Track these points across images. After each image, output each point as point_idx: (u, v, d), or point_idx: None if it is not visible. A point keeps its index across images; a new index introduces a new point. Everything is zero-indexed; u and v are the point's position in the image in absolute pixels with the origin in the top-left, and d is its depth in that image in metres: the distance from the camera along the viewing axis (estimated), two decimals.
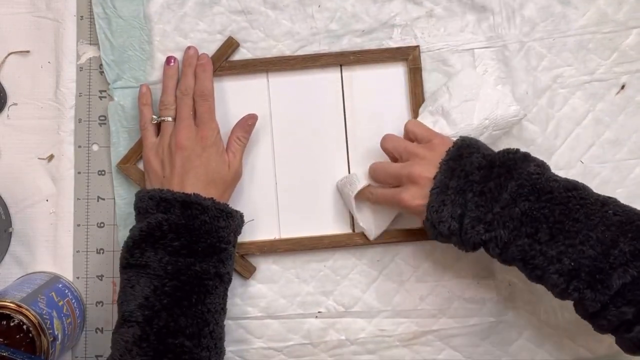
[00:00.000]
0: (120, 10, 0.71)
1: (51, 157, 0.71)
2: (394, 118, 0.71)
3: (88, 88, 0.72)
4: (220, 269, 0.62)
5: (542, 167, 0.58)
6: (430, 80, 0.70)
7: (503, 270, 0.70)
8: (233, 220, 0.64)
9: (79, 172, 0.71)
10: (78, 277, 0.71)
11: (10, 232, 0.71)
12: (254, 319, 0.70)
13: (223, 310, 0.63)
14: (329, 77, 0.71)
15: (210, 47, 0.71)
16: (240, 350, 0.70)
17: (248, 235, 0.70)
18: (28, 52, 0.72)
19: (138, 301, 0.59)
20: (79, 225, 0.71)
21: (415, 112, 0.70)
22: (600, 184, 0.70)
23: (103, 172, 0.72)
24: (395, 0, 0.71)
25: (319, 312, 0.71)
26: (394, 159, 0.66)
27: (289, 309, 0.71)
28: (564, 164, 0.70)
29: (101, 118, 0.72)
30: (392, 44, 0.70)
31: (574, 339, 0.70)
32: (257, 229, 0.71)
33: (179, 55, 0.70)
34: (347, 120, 0.71)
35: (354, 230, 0.71)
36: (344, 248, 0.70)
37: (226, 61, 0.70)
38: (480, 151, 0.59)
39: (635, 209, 0.56)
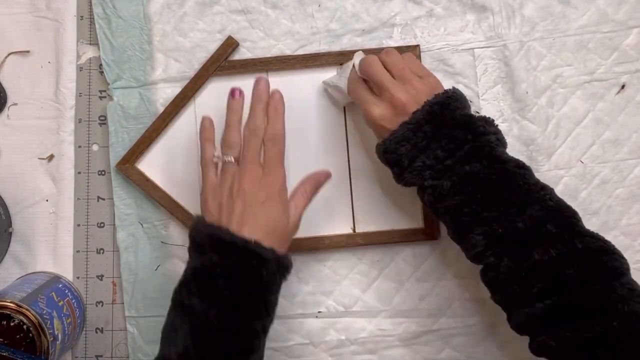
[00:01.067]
0: (120, 11, 0.71)
1: (51, 157, 0.71)
2: None
3: (88, 88, 0.72)
4: (267, 322, 0.58)
5: (501, 141, 0.59)
6: None
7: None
8: (287, 273, 0.59)
9: (79, 172, 0.71)
10: (78, 277, 0.71)
11: (10, 232, 0.71)
12: None
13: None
14: (329, 77, 0.71)
15: (210, 47, 0.71)
16: None
17: None
18: (28, 52, 0.72)
19: (178, 349, 0.55)
20: (79, 225, 0.71)
21: None
22: (600, 184, 0.70)
23: (103, 172, 0.71)
24: None
25: (319, 312, 0.71)
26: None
27: (289, 309, 0.71)
28: (564, 164, 0.70)
29: (101, 118, 0.72)
30: (392, 44, 0.70)
31: None
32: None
33: (180, 54, 0.70)
34: (347, 119, 0.71)
35: (354, 231, 0.71)
36: (344, 248, 0.70)
37: (226, 61, 0.70)
38: (465, 110, 0.60)
39: (566, 203, 0.57)
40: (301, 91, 0.71)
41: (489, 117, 0.60)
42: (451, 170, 0.57)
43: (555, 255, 0.53)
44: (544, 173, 0.70)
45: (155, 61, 0.71)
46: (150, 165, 0.71)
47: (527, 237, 0.54)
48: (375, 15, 0.71)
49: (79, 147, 0.72)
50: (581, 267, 0.52)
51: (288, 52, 0.71)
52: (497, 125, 0.60)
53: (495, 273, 0.56)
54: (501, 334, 0.70)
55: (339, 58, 0.70)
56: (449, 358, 0.70)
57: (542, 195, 0.56)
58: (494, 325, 0.70)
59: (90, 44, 0.72)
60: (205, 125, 0.64)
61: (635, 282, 0.53)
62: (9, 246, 0.71)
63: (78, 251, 0.71)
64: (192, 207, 0.70)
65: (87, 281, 0.71)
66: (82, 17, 0.72)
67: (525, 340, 0.70)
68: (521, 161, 0.58)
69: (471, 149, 0.57)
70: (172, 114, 0.70)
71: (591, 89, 0.70)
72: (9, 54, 0.72)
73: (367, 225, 0.70)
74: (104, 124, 0.72)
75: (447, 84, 0.70)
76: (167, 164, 0.71)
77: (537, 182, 0.57)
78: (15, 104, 0.72)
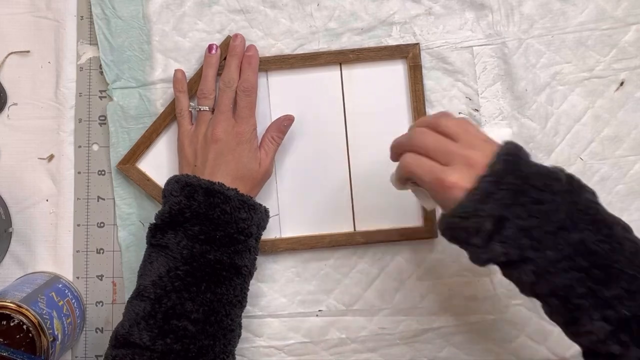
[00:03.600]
0: (119, 11, 0.71)
1: (51, 157, 0.71)
2: (394, 116, 0.71)
3: (88, 88, 0.72)
4: (237, 260, 0.61)
5: (595, 196, 0.50)
6: (430, 78, 0.70)
7: None
8: (255, 213, 0.63)
9: (79, 172, 0.71)
10: (78, 277, 0.71)
11: (10, 232, 0.71)
12: (255, 318, 0.70)
13: (240, 303, 0.63)
14: (328, 76, 0.71)
15: None
16: (240, 349, 0.70)
17: None
18: (28, 52, 0.72)
19: (153, 278, 0.60)
20: (79, 225, 0.71)
21: (415, 110, 0.69)
22: (600, 181, 0.70)
23: (103, 172, 0.72)
24: None
25: (319, 310, 0.71)
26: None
27: (289, 307, 0.71)
28: (564, 161, 0.70)
29: (101, 118, 0.72)
30: (391, 42, 0.70)
31: None
32: None
33: (180, 54, 0.71)
34: (347, 118, 0.71)
35: (355, 229, 0.70)
36: (344, 247, 0.70)
37: (225, 60, 0.70)
38: (531, 160, 0.51)
39: None
40: (301, 90, 0.71)
41: (559, 167, 0.51)
42: (557, 239, 0.47)
43: None
44: None
45: (155, 61, 0.71)
46: (151, 165, 0.71)
47: None
48: (374, 14, 0.71)
49: (79, 147, 0.72)
50: None
51: (287, 52, 0.71)
52: (578, 180, 0.51)
53: None
54: (502, 332, 0.70)
55: (339, 57, 0.70)
56: (449, 356, 0.70)
57: None
58: (495, 322, 0.70)
59: (90, 44, 0.72)
60: (178, 77, 0.69)
61: None
62: (9, 246, 0.71)
63: (78, 251, 0.71)
64: None
65: (87, 281, 0.71)
66: (82, 17, 0.72)
67: (525, 337, 0.70)
68: (622, 220, 0.50)
69: (573, 211, 0.47)
70: (172, 114, 0.70)
71: (590, 85, 0.70)
72: (9, 54, 0.72)
73: (367, 223, 0.70)
74: (104, 124, 0.72)
75: (446, 82, 0.71)
76: (168, 163, 0.71)
77: None
78: (15, 104, 0.72)
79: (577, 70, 0.70)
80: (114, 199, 0.71)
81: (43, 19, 0.72)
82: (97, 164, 0.72)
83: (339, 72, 0.71)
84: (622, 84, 0.70)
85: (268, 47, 0.71)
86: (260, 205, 0.65)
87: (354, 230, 0.70)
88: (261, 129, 0.70)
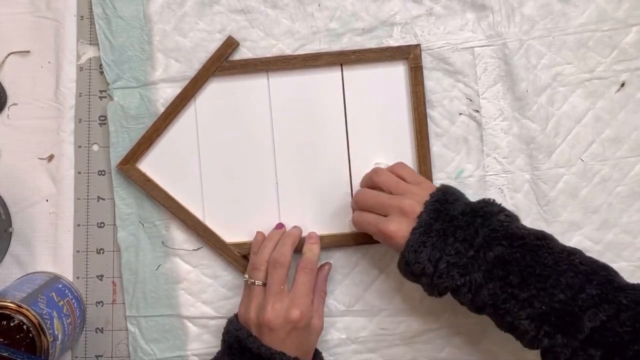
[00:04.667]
0: (120, 11, 0.71)
1: (51, 157, 0.71)
2: (395, 117, 0.70)
3: (88, 88, 0.72)
4: None
5: (512, 217, 0.59)
6: (431, 79, 0.70)
7: None
8: None
9: (79, 172, 0.71)
10: (78, 277, 0.71)
11: (10, 232, 0.71)
12: None
13: None
14: (329, 77, 0.71)
15: (210, 47, 0.71)
16: None
17: (248, 235, 0.70)
18: (28, 52, 0.72)
19: None
20: (79, 225, 0.71)
21: (416, 111, 0.69)
22: (601, 182, 0.70)
23: (103, 172, 0.71)
24: None
25: None
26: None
27: None
28: (564, 162, 0.70)
29: (101, 118, 0.72)
30: (392, 43, 0.70)
31: None
32: (257, 228, 0.70)
33: (180, 54, 0.71)
34: (347, 119, 0.71)
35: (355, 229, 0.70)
36: (344, 247, 0.70)
37: (226, 61, 0.70)
38: (462, 200, 0.61)
39: (598, 261, 0.56)
40: (302, 91, 0.71)
41: (489, 198, 0.61)
42: (477, 261, 0.56)
43: (606, 317, 0.52)
44: (544, 171, 0.70)
45: (156, 61, 0.71)
46: (151, 166, 0.71)
47: (572, 307, 0.53)
48: (375, 15, 0.71)
49: (79, 147, 0.72)
50: (632, 321, 0.51)
51: (288, 52, 0.71)
52: (500, 204, 0.60)
53: (554, 354, 0.54)
54: (502, 332, 0.70)
55: (340, 58, 0.70)
56: (450, 356, 0.70)
57: (572, 260, 0.55)
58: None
59: (90, 44, 0.72)
60: (256, 240, 0.69)
61: None
62: (9, 246, 0.71)
63: (78, 251, 0.71)
64: (193, 207, 0.71)
65: (87, 281, 0.71)
66: (82, 17, 0.72)
67: None
68: (540, 231, 0.58)
69: (487, 233, 0.57)
70: (173, 115, 0.70)
71: (591, 87, 0.70)
72: (9, 54, 0.72)
73: None
74: (104, 124, 0.72)
75: (447, 83, 0.71)
76: (168, 164, 0.71)
77: (563, 249, 0.57)
78: (15, 104, 0.72)
79: (578, 72, 0.70)
80: (113, 199, 0.71)
81: (43, 19, 0.72)
82: (97, 164, 0.72)
83: (340, 73, 0.71)
84: (622, 85, 0.70)
85: (269, 47, 0.71)
86: None
87: (355, 230, 0.70)
88: (261, 130, 0.70)
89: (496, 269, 0.55)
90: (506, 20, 0.70)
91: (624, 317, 0.51)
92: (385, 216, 0.61)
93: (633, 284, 0.54)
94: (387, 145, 0.71)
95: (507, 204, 0.70)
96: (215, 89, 0.70)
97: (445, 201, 0.59)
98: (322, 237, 0.69)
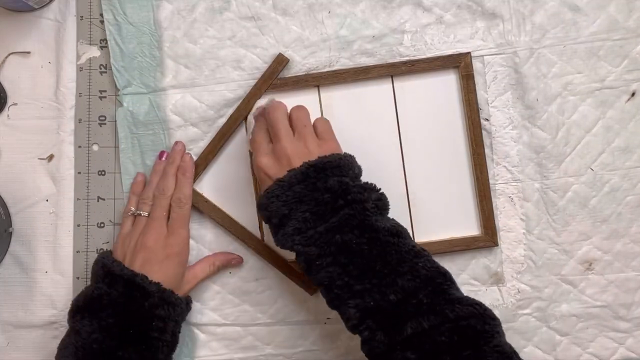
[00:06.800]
0: (131, 17, 0.70)
1: (51, 157, 0.71)
2: (447, 126, 0.70)
3: (88, 88, 0.71)
4: (147, 356, 0.62)
5: (380, 207, 0.59)
6: None
7: (512, 277, 0.70)
8: (175, 309, 0.64)
9: (79, 172, 0.71)
10: (78, 278, 0.71)
11: (10, 232, 0.71)
12: (264, 326, 0.70)
13: None
14: (380, 89, 0.71)
15: (219, 54, 0.70)
16: (249, 357, 0.70)
17: None
18: (28, 53, 0.71)
19: None
20: (79, 225, 0.71)
21: (470, 119, 0.69)
22: (610, 192, 0.70)
23: (103, 172, 0.71)
24: (404, 6, 0.71)
25: (328, 318, 0.70)
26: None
27: (297, 315, 0.71)
28: (574, 171, 0.70)
29: (101, 118, 0.71)
30: (403, 50, 0.70)
31: (583, 346, 0.70)
32: None
33: (190, 61, 0.70)
34: (400, 130, 0.71)
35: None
36: None
37: (277, 78, 0.70)
38: (343, 177, 0.59)
39: (440, 268, 0.57)
40: (354, 104, 0.71)
41: (371, 184, 0.60)
42: (322, 238, 0.57)
43: (428, 326, 0.53)
44: (554, 180, 0.70)
45: (166, 67, 0.71)
46: (208, 187, 0.71)
47: (399, 310, 0.54)
48: (385, 22, 0.71)
49: (79, 147, 0.71)
50: (452, 335, 0.52)
51: (298, 59, 0.70)
52: (379, 191, 0.60)
53: (370, 346, 0.55)
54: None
55: (390, 70, 0.70)
56: None
57: (415, 263, 0.56)
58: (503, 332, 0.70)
59: (90, 44, 0.72)
60: (136, 180, 0.70)
61: (506, 343, 0.54)
62: (9, 246, 0.71)
63: (78, 251, 0.71)
64: (250, 225, 0.71)
65: (87, 281, 0.70)
66: (82, 17, 0.72)
67: (533, 347, 0.70)
68: (398, 228, 0.58)
69: (345, 216, 0.57)
70: (228, 134, 0.70)
71: (601, 96, 0.70)
72: (9, 54, 0.72)
73: (427, 234, 0.70)
74: (104, 124, 0.71)
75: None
76: (224, 184, 0.71)
77: (412, 249, 0.57)
78: (15, 104, 0.72)
79: (589, 81, 0.70)
80: (113, 199, 0.71)
81: (43, 19, 0.72)
82: (97, 164, 0.71)
83: (391, 84, 0.71)
84: (633, 94, 0.70)
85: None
86: (182, 299, 0.65)
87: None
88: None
89: (340, 255, 0.56)
90: (517, 28, 0.70)
91: (444, 329, 0.53)
92: (271, 141, 0.62)
93: (462, 298, 0.55)
94: (442, 155, 0.70)
95: (517, 212, 0.70)
96: None
97: (323, 170, 0.59)
98: None
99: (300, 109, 0.64)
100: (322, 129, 0.64)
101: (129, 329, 0.61)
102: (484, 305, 0.55)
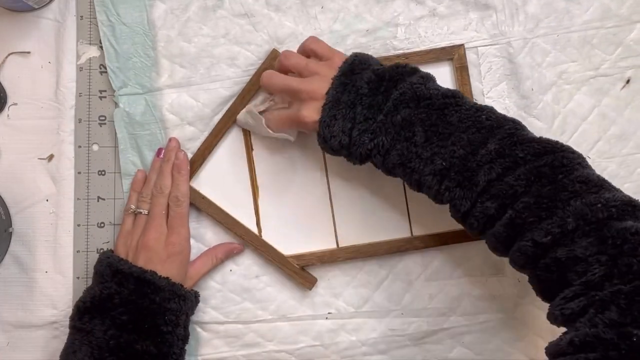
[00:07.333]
0: (124, 17, 0.70)
1: (51, 157, 0.71)
2: None
3: (88, 88, 0.72)
4: (164, 349, 0.62)
5: (425, 77, 0.59)
6: None
7: (512, 267, 0.70)
8: (185, 302, 0.64)
9: (79, 172, 0.71)
10: (78, 278, 0.71)
11: (10, 232, 0.71)
12: (265, 322, 0.71)
13: None
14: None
15: (214, 52, 0.71)
16: (251, 354, 0.70)
17: (305, 247, 0.70)
18: (28, 53, 0.72)
19: None
20: (79, 225, 0.71)
21: None
22: (608, 179, 0.69)
23: (103, 172, 0.71)
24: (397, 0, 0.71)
25: (329, 313, 0.71)
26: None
27: (298, 310, 0.71)
28: None
29: (101, 118, 0.72)
30: (397, 44, 0.70)
31: None
32: (313, 241, 0.71)
33: (185, 60, 0.70)
34: None
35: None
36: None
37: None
38: (372, 67, 0.60)
39: (507, 117, 0.57)
40: None
41: (401, 63, 0.61)
42: (385, 125, 0.57)
43: (501, 171, 0.53)
44: None
45: (161, 67, 0.71)
46: (205, 183, 0.71)
47: (469, 162, 0.54)
48: (379, 16, 0.71)
49: (79, 147, 0.71)
50: (528, 175, 0.52)
51: None
52: (414, 66, 0.61)
53: (456, 207, 0.56)
54: (511, 330, 0.70)
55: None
56: (460, 356, 0.70)
57: (478, 116, 0.56)
58: (504, 321, 0.70)
59: (90, 44, 0.72)
60: (136, 177, 0.70)
61: (592, 173, 0.53)
62: (9, 246, 0.71)
63: (78, 251, 0.71)
64: (247, 221, 0.71)
65: (87, 281, 0.70)
66: (82, 17, 0.72)
67: (535, 335, 0.71)
68: (452, 90, 0.59)
69: (396, 97, 0.58)
70: (223, 130, 0.70)
71: (596, 84, 0.70)
72: (9, 54, 0.72)
73: (424, 228, 0.70)
74: (104, 124, 0.71)
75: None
76: (221, 180, 0.71)
77: (472, 106, 0.57)
78: (15, 104, 0.72)
79: (583, 69, 0.70)
80: (113, 199, 0.71)
81: (43, 19, 0.72)
82: (97, 164, 0.71)
83: None
84: (628, 81, 0.71)
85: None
86: (191, 292, 0.66)
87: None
88: (311, 141, 0.69)
89: (403, 131, 0.57)
90: (510, 19, 0.70)
91: (519, 171, 0.52)
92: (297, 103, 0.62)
93: (534, 137, 0.55)
94: None
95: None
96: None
97: (352, 72, 0.60)
98: (379, 244, 0.69)
99: (288, 57, 0.64)
100: (320, 52, 0.64)
101: (144, 324, 0.61)
102: (560, 142, 0.55)
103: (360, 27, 0.71)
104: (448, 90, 0.59)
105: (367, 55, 0.63)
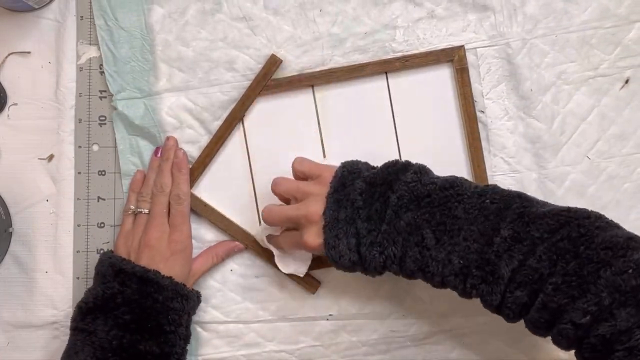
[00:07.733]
0: (122, 22, 0.71)
1: (51, 157, 0.71)
2: (443, 120, 0.70)
3: (88, 88, 0.72)
4: (167, 349, 0.62)
5: (419, 172, 0.58)
6: None
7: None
8: (188, 302, 0.65)
9: (79, 172, 0.71)
10: (78, 278, 0.71)
11: (10, 232, 0.71)
12: (266, 322, 0.71)
13: None
14: (375, 86, 0.70)
15: (212, 55, 0.71)
16: (251, 354, 0.71)
17: None
18: (28, 53, 0.72)
19: None
20: (79, 225, 0.71)
21: (466, 113, 0.69)
22: (607, 179, 0.70)
23: (103, 172, 0.72)
24: (395, 2, 0.71)
25: (330, 314, 0.71)
26: (288, 202, 0.65)
27: (299, 311, 0.71)
28: (571, 160, 0.70)
29: (101, 118, 0.72)
30: (396, 46, 0.70)
31: None
32: None
33: (183, 64, 0.71)
34: (396, 126, 0.71)
35: None
36: None
37: (271, 79, 0.70)
38: (362, 175, 0.59)
39: (513, 192, 0.56)
40: (349, 102, 0.71)
41: (393, 160, 0.60)
42: (391, 234, 0.56)
43: (522, 257, 0.51)
44: (551, 170, 0.70)
45: (159, 71, 0.71)
46: (206, 190, 0.71)
47: (487, 254, 0.53)
48: (377, 19, 0.71)
49: (79, 147, 0.72)
50: (548, 254, 0.50)
51: (290, 58, 0.70)
52: (406, 161, 0.60)
53: (487, 302, 0.54)
54: (512, 331, 0.70)
55: (384, 66, 0.70)
56: (460, 357, 0.70)
57: (482, 202, 0.54)
58: (504, 323, 0.69)
59: (90, 44, 0.72)
60: (135, 178, 0.70)
61: (614, 234, 0.50)
62: (9, 246, 0.71)
63: (78, 251, 0.71)
64: (251, 227, 0.71)
65: (87, 282, 0.71)
66: (82, 17, 0.72)
67: (535, 336, 0.70)
68: (449, 179, 0.57)
69: (394, 202, 0.56)
70: (224, 137, 0.70)
71: (595, 84, 0.70)
72: (9, 54, 0.72)
73: None
74: (104, 124, 0.72)
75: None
76: (223, 187, 0.71)
77: (474, 191, 0.56)
78: (15, 104, 0.72)
79: (582, 69, 0.70)
80: (113, 199, 0.71)
81: (43, 19, 0.72)
82: (97, 164, 0.72)
83: (385, 81, 0.71)
84: (627, 81, 0.70)
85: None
86: (193, 292, 0.66)
87: None
88: (312, 143, 0.70)
89: (411, 236, 0.55)
90: (508, 20, 0.70)
91: (539, 252, 0.51)
92: (297, 229, 0.61)
93: (544, 212, 0.53)
94: (438, 149, 0.70)
95: None
96: (263, 109, 0.70)
97: (344, 186, 0.58)
98: None
99: (278, 183, 0.64)
100: (309, 172, 0.63)
101: (147, 324, 0.61)
102: (573, 208, 0.53)
103: (358, 30, 0.71)
104: (445, 180, 0.57)
105: (355, 161, 0.61)
